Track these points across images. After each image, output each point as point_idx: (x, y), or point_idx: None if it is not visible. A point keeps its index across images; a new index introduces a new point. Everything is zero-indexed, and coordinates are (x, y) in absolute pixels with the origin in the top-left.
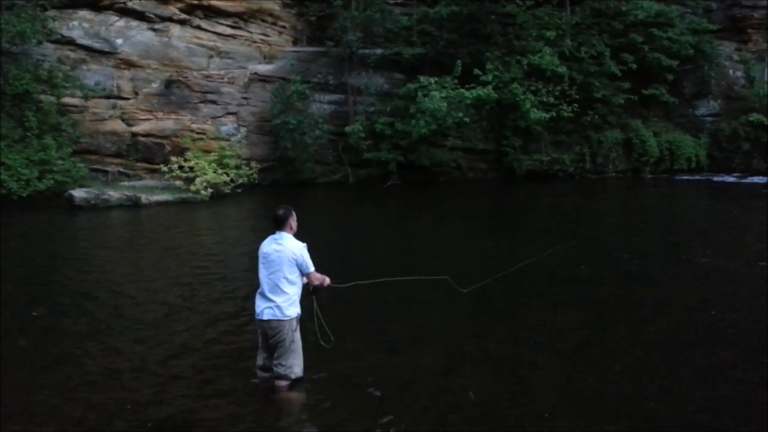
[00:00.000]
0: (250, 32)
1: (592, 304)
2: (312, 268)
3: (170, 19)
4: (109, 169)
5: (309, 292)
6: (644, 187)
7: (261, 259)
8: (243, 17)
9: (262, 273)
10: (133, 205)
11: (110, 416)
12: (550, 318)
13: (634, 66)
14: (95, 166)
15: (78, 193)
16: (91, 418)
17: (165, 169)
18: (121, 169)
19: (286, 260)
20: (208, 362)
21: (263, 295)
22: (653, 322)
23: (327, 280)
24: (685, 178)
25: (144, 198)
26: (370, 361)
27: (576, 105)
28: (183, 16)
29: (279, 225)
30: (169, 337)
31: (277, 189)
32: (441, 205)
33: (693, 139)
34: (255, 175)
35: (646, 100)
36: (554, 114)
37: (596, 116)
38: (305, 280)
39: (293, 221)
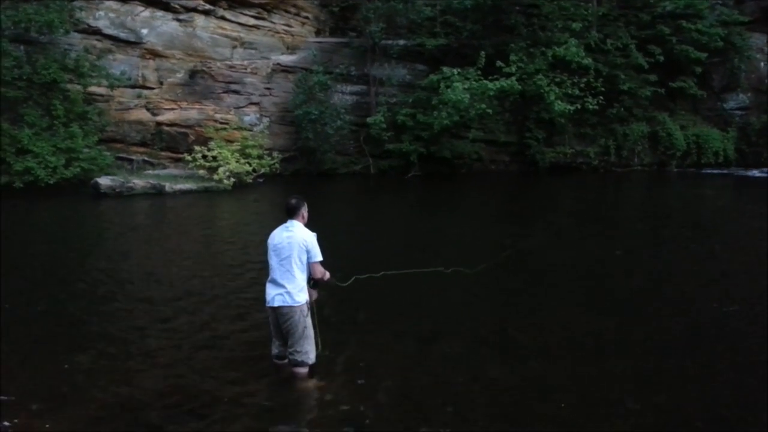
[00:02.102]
0: (274, 23)
1: (603, 298)
2: (320, 258)
3: (195, 10)
4: (134, 157)
5: (310, 286)
6: (669, 181)
7: (271, 248)
8: (266, 8)
9: (273, 260)
10: (158, 193)
11: (131, 401)
12: (562, 311)
13: (662, 58)
14: (120, 155)
15: (104, 181)
16: (114, 403)
17: (189, 158)
18: (146, 158)
19: (297, 246)
20: (228, 350)
21: (274, 282)
22: (669, 316)
23: (327, 275)
24: (712, 172)
25: (168, 186)
26: (391, 350)
27: (601, 97)
28: (207, 6)
29: (291, 214)
30: (191, 325)
31: (299, 179)
32: (461, 197)
33: (721, 132)
34: (277, 165)
35: (673, 92)
36: (579, 106)
37: (622, 109)
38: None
39: (305, 211)
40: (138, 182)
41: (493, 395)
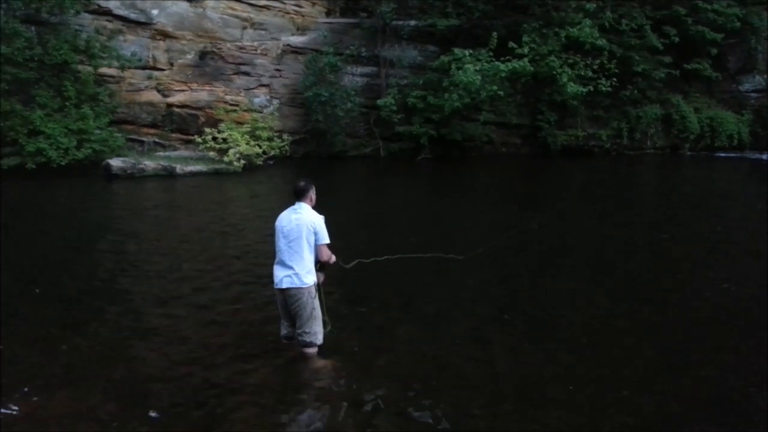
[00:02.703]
0: (284, 3)
1: (612, 282)
2: (327, 240)
3: None
4: (144, 139)
5: (317, 269)
6: (682, 164)
7: (279, 230)
8: None
9: (281, 242)
10: (168, 174)
11: (136, 383)
12: (571, 294)
13: (677, 39)
14: (131, 136)
15: (115, 162)
16: (116, 385)
17: (199, 140)
18: (157, 140)
19: (305, 228)
20: (236, 330)
21: (282, 264)
22: (678, 300)
23: (333, 258)
24: (725, 155)
25: (179, 168)
26: (399, 332)
27: (615, 79)
28: None
29: (299, 196)
30: (198, 305)
31: (309, 161)
32: (472, 180)
33: (736, 115)
34: (287, 147)
35: (688, 74)
36: (592, 88)
37: (635, 91)
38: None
39: (313, 194)
40: (149, 164)
41: (500, 378)
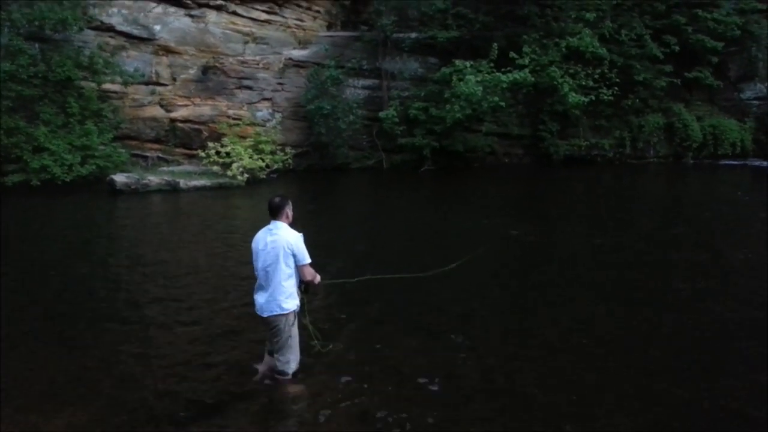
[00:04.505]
0: (285, 17)
1: (612, 291)
2: (307, 260)
3: (207, 5)
4: (148, 154)
5: (301, 290)
6: (685, 173)
7: (255, 253)
8: (278, 2)
9: (259, 266)
10: (172, 189)
11: (127, 401)
12: (570, 303)
13: (677, 48)
14: (135, 152)
15: (119, 178)
16: (111, 401)
17: (202, 154)
18: (160, 155)
19: (282, 250)
20: (231, 348)
21: (260, 289)
22: (686, 313)
23: (318, 278)
24: (729, 163)
25: (183, 183)
26: (397, 347)
27: (616, 88)
28: (219, 1)
29: (274, 214)
30: (194, 323)
31: (312, 174)
32: (474, 191)
33: (738, 123)
34: (290, 161)
35: (689, 83)
36: (593, 98)
37: (637, 100)
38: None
39: (289, 210)
40: (153, 179)
41: (500, 389)
